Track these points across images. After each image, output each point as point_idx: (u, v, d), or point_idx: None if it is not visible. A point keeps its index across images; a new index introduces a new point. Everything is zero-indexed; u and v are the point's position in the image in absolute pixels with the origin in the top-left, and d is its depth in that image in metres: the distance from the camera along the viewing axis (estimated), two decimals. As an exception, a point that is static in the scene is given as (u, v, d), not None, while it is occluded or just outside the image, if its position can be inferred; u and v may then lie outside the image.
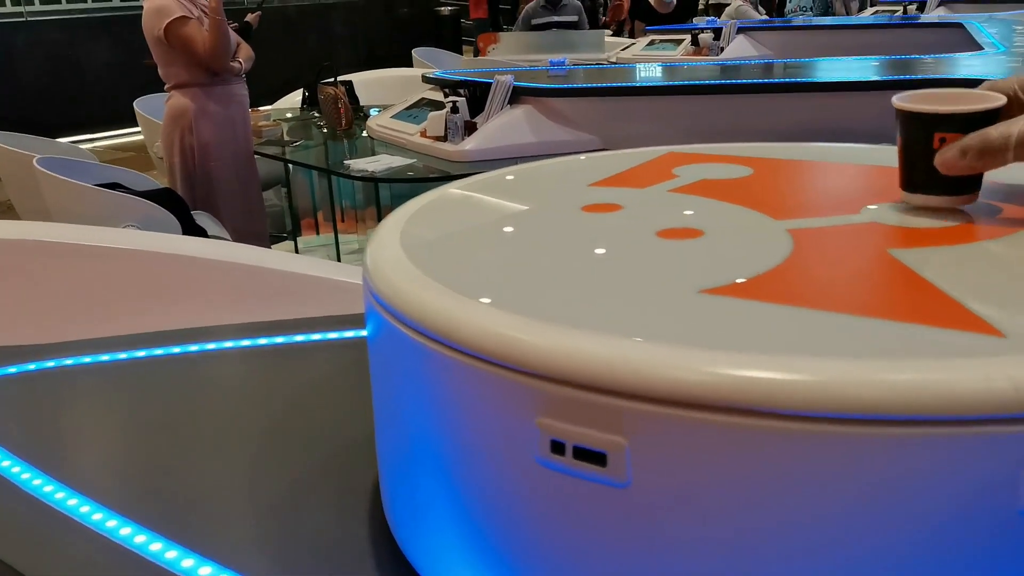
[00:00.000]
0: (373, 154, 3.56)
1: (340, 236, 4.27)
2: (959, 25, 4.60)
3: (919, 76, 2.90)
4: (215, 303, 2.07)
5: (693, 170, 0.79)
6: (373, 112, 4.16)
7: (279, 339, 1.02)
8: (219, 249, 2.31)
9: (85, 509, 0.69)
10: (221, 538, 0.65)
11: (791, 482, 0.40)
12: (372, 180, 3.22)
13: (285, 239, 4.51)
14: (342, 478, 0.72)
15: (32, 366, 0.98)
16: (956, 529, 0.39)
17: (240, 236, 3.45)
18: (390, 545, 0.62)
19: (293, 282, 2.17)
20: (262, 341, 1.02)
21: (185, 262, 2.19)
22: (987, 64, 3.26)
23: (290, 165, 4.12)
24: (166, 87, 3.62)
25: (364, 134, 3.88)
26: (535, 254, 0.59)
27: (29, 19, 8.71)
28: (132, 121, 7.79)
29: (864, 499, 0.39)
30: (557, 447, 0.44)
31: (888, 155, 0.79)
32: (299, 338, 1.02)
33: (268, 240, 3.92)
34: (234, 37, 3.56)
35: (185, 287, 2.19)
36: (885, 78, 3.09)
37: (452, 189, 0.78)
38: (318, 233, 4.67)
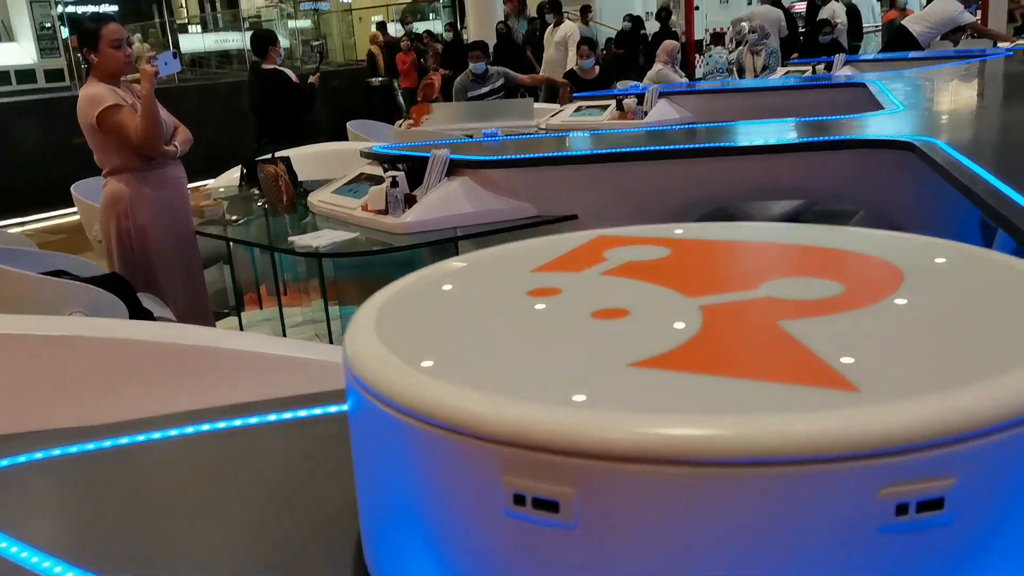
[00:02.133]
0: (315, 229, 3.64)
1: (284, 309, 4.32)
2: (862, 85, 4.94)
3: (831, 137, 3.13)
4: (171, 387, 2.12)
5: (620, 253, 0.91)
6: (310, 188, 4.26)
7: (253, 419, 1.10)
8: (170, 332, 2.36)
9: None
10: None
11: (703, 516, 0.51)
12: (318, 256, 3.30)
13: (228, 315, 4.53)
14: (328, 540, 0.80)
15: (5, 462, 1.04)
16: (833, 544, 0.51)
17: (184, 316, 3.47)
18: (375, 598, 0.71)
19: (247, 361, 2.24)
20: (237, 423, 1.10)
21: (138, 346, 2.24)
22: (887, 124, 3.53)
23: (231, 243, 4.17)
24: (102, 173, 3.65)
25: (306, 209, 3.97)
26: (492, 337, 0.70)
27: (-44, 104, 8.63)
28: (63, 203, 7.74)
29: (762, 524, 0.51)
30: (519, 499, 0.55)
31: (784, 233, 0.93)
32: (272, 417, 1.10)
33: (212, 318, 3.94)
34: (171, 121, 3.63)
35: (139, 373, 2.24)
36: (795, 140, 3.33)
37: (418, 279, 0.88)
38: (261, 307, 4.70)
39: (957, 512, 0.52)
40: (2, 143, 8.41)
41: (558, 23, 8.12)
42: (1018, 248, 1.86)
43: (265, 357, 2.20)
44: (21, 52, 11.68)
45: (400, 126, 8.01)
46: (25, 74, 11.52)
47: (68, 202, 6.65)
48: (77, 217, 7.53)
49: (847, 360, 0.58)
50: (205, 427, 1.10)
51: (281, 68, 5.89)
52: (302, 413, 1.13)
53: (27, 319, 2.31)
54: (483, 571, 0.58)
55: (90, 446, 1.08)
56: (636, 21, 11.79)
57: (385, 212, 3.38)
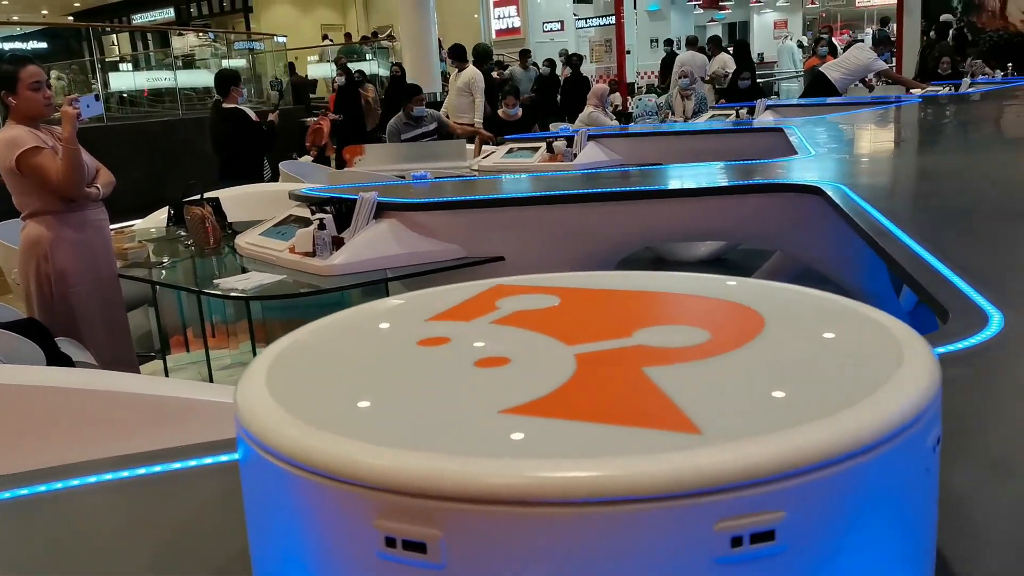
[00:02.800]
0: (243, 271, 3.63)
1: (212, 352, 4.26)
2: (780, 130, 5.16)
3: (745, 182, 3.27)
4: (87, 434, 2.09)
5: (512, 302, 0.96)
6: (240, 229, 4.25)
7: (157, 468, 1.11)
8: (88, 378, 2.33)
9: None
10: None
11: (559, 553, 0.55)
12: (243, 299, 3.29)
13: (154, 358, 4.45)
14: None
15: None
16: (677, 574, 0.55)
17: (106, 361, 3.40)
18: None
19: (164, 406, 2.22)
20: (141, 471, 1.11)
21: (56, 393, 2.20)
22: (799, 169, 3.70)
23: (155, 286, 4.12)
24: (21, 216, 3.59)
25: (233, 252, 3.95)
26: (375, 386, 0.74)
27: None
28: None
29: (612, 558, 0.55)
30: (391, 542, 0.58)
31: (666, 282, 0.99)
32: (177, 465, 1.11)
33: (136, 362, 3.87)
34: (92, 163, 3.59)
35: (56, 419, 2.20)
36: (713, 184, 3.47)
37: (315, 329, 0.91)
38: (188, 350, 4.63)
39: (789, 542, 0.57)
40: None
41: (461, 69, 8.25)
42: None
43: (181, 401, 2.19)
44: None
45: (296, 157, 8.06)
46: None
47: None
48: (-6, 261, 7.31)
49: (696, 403, 0.64)
50: (108, 476, 1.10)
51: (241, 107, 5.98)
52: (207, 460, 1.14)
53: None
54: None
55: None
56: (552, 66, 12.04)
57: (312, 254, 3.39)
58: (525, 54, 12.76)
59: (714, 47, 11.59)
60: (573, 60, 11.69)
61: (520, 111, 7.48)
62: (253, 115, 6.06)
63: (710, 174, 3.87)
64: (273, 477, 0.65)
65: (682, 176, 3.77)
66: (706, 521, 0.55)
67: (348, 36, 18.55)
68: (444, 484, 0.56)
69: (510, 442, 0.60)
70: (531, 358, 0.77)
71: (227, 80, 6.09)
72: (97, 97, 3.50)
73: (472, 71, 8.18)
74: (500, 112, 7.55)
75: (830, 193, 2.77)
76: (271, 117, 6.27)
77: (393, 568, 0.59)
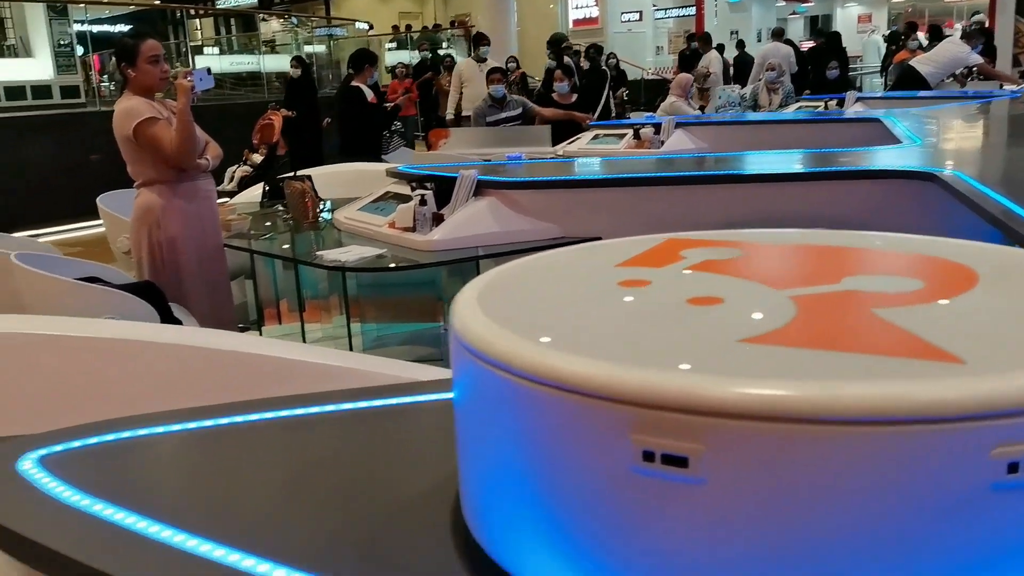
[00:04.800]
0: (339, 245, 3.70)
1: (305, 325, 4.36)
2: (877, 120, 5.03)
3: (855, 167, 3.21)
4: (219, 391, 2.16)
5: (696, 253, 0.96)
6: (326, 205, 4.32)
7: (329, 407, 1.15)
8: (208, 337, 2.41)
9: (219, 553, 0.80)
10: (335, 559, 0.77)
11: (831, 473, 0.56)
12: (344, 270, 3.35)
13: (249, 330, 4.57)
14: (426, 510, 0.85)
15: (111, 436, 1.08)
16: (952, 500, 0.55)
17: (209, 327, 3.51)
18: (480, 555, 0.75)
19: (277, 366, 2.27)
20: (314, 410, 1.15)
21: (176, 350, 2.28)
22: (905, 156, 3.60)
23: (254, 257, 4.23)
24: (135, 184, 3.72)
25: (329, 226, 4.03)
26: (595, 317, 0.75)
27: (-26, 118, 8.75)
28: (78, 217, 7.82)
29: (886, 481, 0.55)
30: (648, 456, 0.59)
31: (846, 238, 0.98)
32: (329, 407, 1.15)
33: (237, 330, 3.98)
34: (202, 136, 3.71)
35: (171, 374, 2.28)
36: (821, 169, 3.40)
37: (503, 272, 0.93)
38: (280, 322, 4.74)
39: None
40: (18, 158, 8.50)
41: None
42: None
43: (291, 362, 2.25)
44: (38, 68, 11.84)
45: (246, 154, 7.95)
46: (41, 90, 11.66)
47: (83, 216, 6.73)
48: (94, 231, 7.61)
49: (943, 339, 0.63)
50: (284, 413, 1.14)
51: (361, 87, 6.18)
52: (358, 404, 1.17)
53: (76, 322, 2.36)
54: (606, 525, 0.62)
55: (189, 425, 1.11)
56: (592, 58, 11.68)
57: (412, 229, 3.44)
58: (594, 47, 12.59)
59: (703, 44, 11.24)
60: (591, 52, 11.40)
61: (569, 88, 7.35)
62: (370, 95, 6.23)
63: (811, 160, 3.79)
64: (511, 399, 0.66)
65: (783, 161, 3.71)
66: (983, 446, 0.54)
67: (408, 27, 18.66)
68: (712, 400, 0.57)
69: (771, 364, 0.61)
70: (744, 299, 0.78)
71: (363, 58, 6.34)
72: (209, 71, 3.60)
73: (462, 62, 8.13)
74: (554, 94, 7.45)
75: (947, 179, 2.70)
76: (400, 100, 6.75)
77: (646, 483, 0.60)
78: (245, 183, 7.96)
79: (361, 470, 1.00)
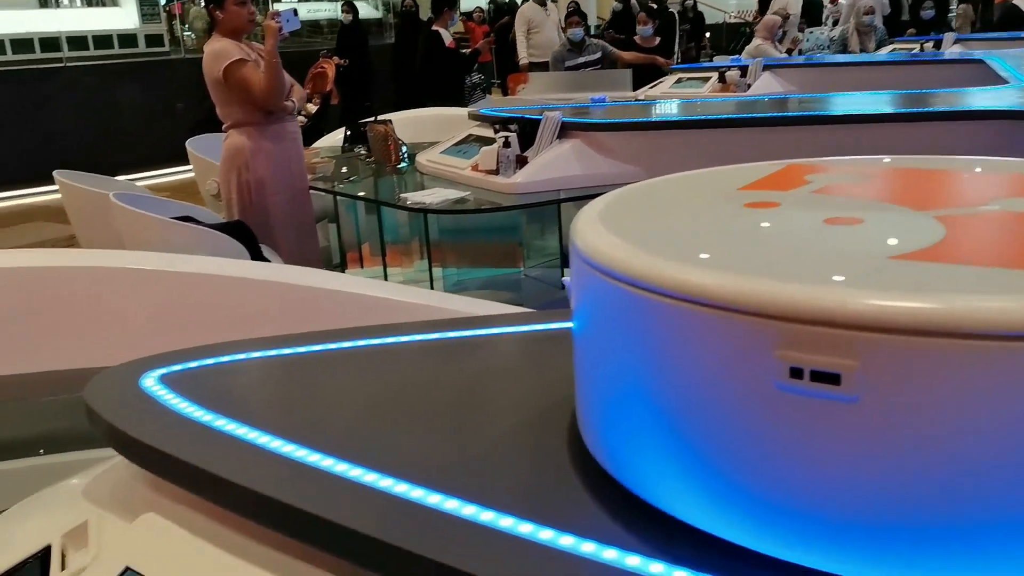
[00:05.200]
0: (422, 188, 3.71)
1: (387, 269, 4.41)
2: (980, 61, 4.76)
3: (953, 108, 3.04)
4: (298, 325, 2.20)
5: (821, 177, 0.92)
6: (404, 149, 4.32)
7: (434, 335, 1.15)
8: (303, 275, 2.45)
9: (357, 473, 0.81)
10: (459, 478, 0.77)
11: (986, 390, 0.52)
12: (427, 212, 3.36)
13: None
14: (541, 433, 0.84)
15: (225, 358, 1.11)
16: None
17: (295, 267, 3.58)
18: (604, 477, 0.74)
19: (367, 304, 2.29)
20: (417, 337, 1.15)
21: (275, 287, 2.33)
22: (1014, 97, 3.40)
23: (338, 201, 4.28)
24: (224, 127, 3.78)
25: (411, 169, 4.05)
26: (731, 235, 0.72)
27: (68, 64, 9.01)
28: (165, 163, 8.03)
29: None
30: (796, 373, 0.57)
31: (981, 164, 0.92)
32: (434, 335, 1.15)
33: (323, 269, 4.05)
34: (287, 78, 3.74)
35: (267, 310, 2.34)
36: (920, 110, 3.23)
37: (622, 195, 0.90)
38: (362, 266, 4.81)
39: None
40: (106, 105, 8.74)
41: None
42: None
43: (391, 302, 2.27)
44: (124, 17, 12.11)
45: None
46: (127, 39, 11.94)
47: (171, 162, 6.89)
48: (181, 177, 7.81)
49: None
50: (379, 340, 1.15)
51: (440, 31, 6.19)
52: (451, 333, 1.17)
53: (174, 258, 2.43)
54: (742, 447, 0.61)
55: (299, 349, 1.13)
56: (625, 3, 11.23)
57: (495, 172, 3.42)
58: None
59: None
60: None
61: (652, 31, 7.11)
62: (448, 39, 6.22)
63: (916, 101, 3.61)
64: (643, 316, 0.64)
65: (878, 103, 3.54)
66: None
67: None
68: (870, 312, 0.54)
69: (927, 279, 0.57)
70: (885, 219, 0.74)
71: (443, 2, 6.32)
72: (295, 12, 3.62)
73: (525, 5, 7.89)
74: (636, 37, 7.22)
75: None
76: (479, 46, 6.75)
77: (792, 400, 0.57)
78: (303, 133, 8.02)
79: (465, 395, 1.00)
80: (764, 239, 0.70)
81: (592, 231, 0.74)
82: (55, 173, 3.78)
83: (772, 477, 0.60)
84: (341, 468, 0.80)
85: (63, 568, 0.89)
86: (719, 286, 0.59)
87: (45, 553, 0.91)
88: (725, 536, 0.64)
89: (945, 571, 0.56)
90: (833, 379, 0.55)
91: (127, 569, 0.82)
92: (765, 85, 5.24)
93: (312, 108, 8.47)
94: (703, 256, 0.65)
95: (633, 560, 0.64)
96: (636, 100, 4.98)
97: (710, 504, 0.64)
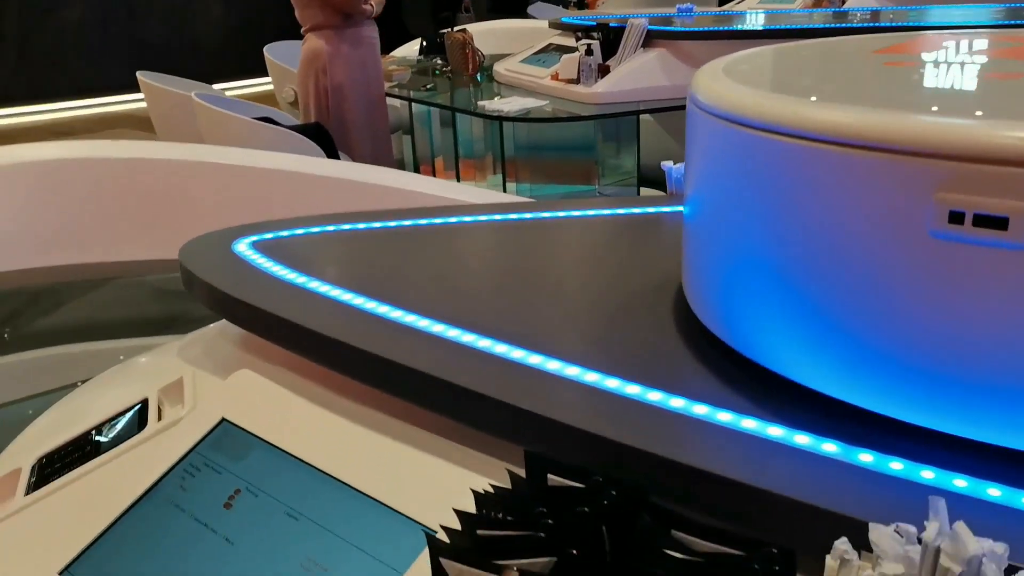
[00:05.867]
0: (501, 97, 3.63)
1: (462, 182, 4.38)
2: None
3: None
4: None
5: (961, 43, 0.84)
6: (482, 60, 4.22)
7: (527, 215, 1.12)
8: (388, 176, 2.44)
9: (455, 333, 0.79)
10: (567, 344, 0.75)
11: None
12: (503, 119, 3.30)
13: (404, 184, 4.64)
14: (648, 300, 0.81)
15: (316, 228, 1.09)
16: None
17: (371, 175, 3.57)
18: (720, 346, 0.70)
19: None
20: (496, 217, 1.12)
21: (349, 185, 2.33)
22: None
23: (414, 111, 4.23)
24: (302, 30, 3.75)
25: (489, 80, 3.97)
26: (878, 85, 0.66)
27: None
28: (239, 75, 8.06)
29: None
30: (956, 217, 0.51)
31: None
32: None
33: (396, 179, 4.04)
34: (367, -20, 3.67)
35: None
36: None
37: (743, 56, 0.83)
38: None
39: None
40: (184, 17, 8.76)
41: None
42: None
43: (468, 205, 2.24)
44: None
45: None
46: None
47: (247, 74, 6.85)
48: (257, 89, 7.84)
49: None
50: (497, 217, 1.12)
51: None
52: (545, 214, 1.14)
53: (258, 154, 2.45)
54: (892, 302, 0.56)
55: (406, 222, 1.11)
56: None
57: (576, 81, 3.32)
58: None
59: None
60: None
61: None
62: None
63: (1016, 13, 3.36)
64: (788, 162, 0.59)
65: (986, 15, 3.31)
66: None
67: None
68: (1052, 147, 0.48)
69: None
70: (1050, 74, 0.66)
71: None
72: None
73: None
74: None
75: None
76: None
77: (949, 248, 0.52)
78: None
79: (566, 267, 0.96)
80: (912, 87, 0.64)
81: (716, 80, 0.69)
82: (139, 74, 3.82)
83: (923, 337, 0.55)
84: (439, 329, 0.78)
85: (159, 419, 0.90)
86: (870, 124, 0.54)
87: (143, 406, 0.92)
88: (860, 403, 0.59)
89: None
90: (1000, 223, 0.50)
91: (223, 420, 0.82)
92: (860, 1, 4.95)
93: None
94: (844, 100, 0.59)
95: (750, 423, 0.61)
96: (725, 10, 4.76)
97: (845, 368, 0.59)
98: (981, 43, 0.85)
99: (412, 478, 0.70)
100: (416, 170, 4.66)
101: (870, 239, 0.55)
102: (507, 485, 0.61)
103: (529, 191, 4.40)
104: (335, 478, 0.72)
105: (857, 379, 0.59)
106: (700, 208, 0.71)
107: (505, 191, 4.02)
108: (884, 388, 0.57)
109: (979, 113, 0.53)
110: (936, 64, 0.73)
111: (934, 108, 0.55)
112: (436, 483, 0.68)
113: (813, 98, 0.59)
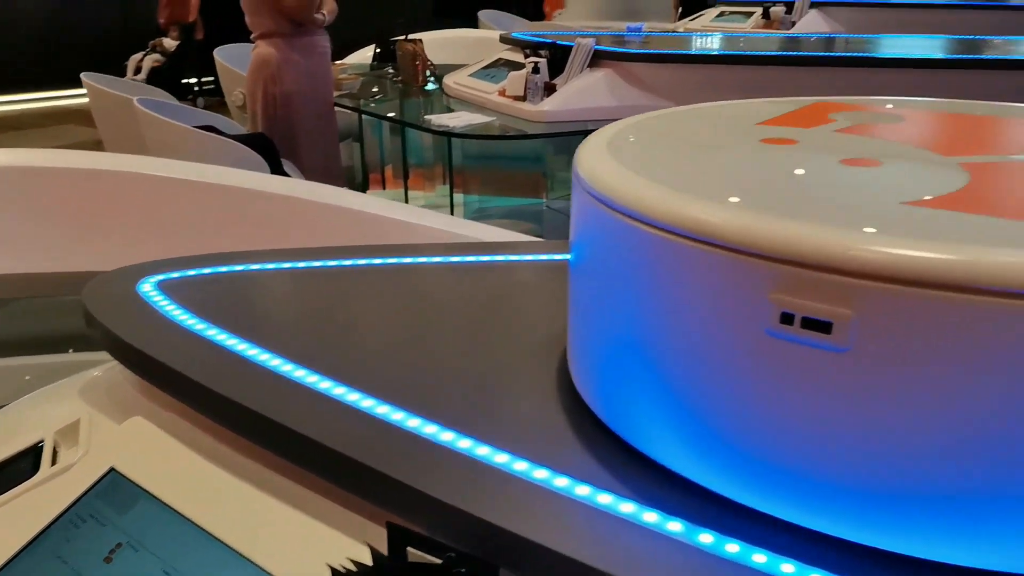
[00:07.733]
0: (448, 111, 3.64)
1: (409, 192, 4.38)
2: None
3: (1009, 56, 2.91)
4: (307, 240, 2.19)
5: (847, 116, 0.87)
6: (428, 73, 4.23)
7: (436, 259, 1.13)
8: (314, 190, 2.43)
9: (340, 391, 0.80)
10: (444, 406, 0.76)
11: (986, 347, 0.49)
12: (451, 135, 3.31)
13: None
14: (535, 364, 0.82)
15: (223, 268, 1.09)
16: None
17: (318, 184, 3.56)
18: (588, 416, 0.72)
19: (383, 224, 2.28)
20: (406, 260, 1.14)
21: (282, 200, 2.31)
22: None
23: (364, 119, 4.22)
24: (252, 36, 3.72)
25: (439, 91, 3.97)
26: (740, 171, 0.69)
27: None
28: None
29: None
30: (787, 318, 0.54)
31: (1016, 110, 0.87)
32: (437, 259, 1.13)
33: (345, 187, 4.03)
34: (319, -9, 3.65)
35: (277, 223, 2.33)
36: (973, 56, 3.09)
37: (631, 125, 0.86)
38: (384, 188, 4.78)
39: None
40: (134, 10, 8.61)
41: None
42: None
43: (409, 225, 2.25)
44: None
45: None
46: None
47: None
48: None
49: None
50: (389, 260, 1.13)
51: None
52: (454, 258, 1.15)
53: (193, 167, 2.42)
54: (727, 391, 0.58)
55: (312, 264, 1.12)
56: None
57: (523, 98, 3.35)
58: None
59: None
60: None
61: None
62: None
63: (963, 47, 3.47)
64: (644, 249, 0.61)
65: (928, 47, 3.40)
66: None
67: None
68: (867, 261, 0.50)
69: (937, 228, 0.54)
70: (906, 162, 0.70)
71: None
72: (328, -80, 3.51)
73: None
74: None
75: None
76: None
77: (782, 347, 0.55)
78: (156, 75, 6.81)
79: (465, 319, 0.98)
80: (772, 176, 0.67)
81: (594, 157, 0.71)
82: (83, 75, 3.76)
83: (755, 427, 0.58)
84: (325, 386, 0.80)
85: (53, 463, 0.90)
86: (714, 221, 0.56)
87: (39, 447, 0.92)
88: (709, 486, 0.62)
89: (932, 530, 0.54)
90: (824, 327, 0.53)
91: (111, 470, 0.82)
92: (811, 23, 5.06)
93: (171, 44, 6.89)
94: (702, 190, 0.62)
95: (627, 507, 0.62)
96: (674, 32, 4.83)
97: (694, 452, 0.62)
98: (868, 115, 0.88)
99: (290, 539, 0.71)
100: (365, 178, 4.65)
101: (715, 331, 0.58)
102: (368, 560, 0.62)
103: (478, 203, 4.42)
104: (213, 536, 0.73)
105: (710, 464, 0.61)
106: (573, 276, 0.73)
107: (452, 202, 4.03)
108: (736, 476, 0.60)
109: (816, 214, 0.56)
110: (808, 143, 0.76)
111: (777, 206, 0.58)
112: (312, 546, 0.69)
113: (670, 183, 0.62)
